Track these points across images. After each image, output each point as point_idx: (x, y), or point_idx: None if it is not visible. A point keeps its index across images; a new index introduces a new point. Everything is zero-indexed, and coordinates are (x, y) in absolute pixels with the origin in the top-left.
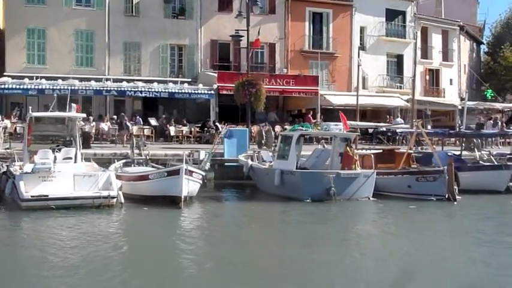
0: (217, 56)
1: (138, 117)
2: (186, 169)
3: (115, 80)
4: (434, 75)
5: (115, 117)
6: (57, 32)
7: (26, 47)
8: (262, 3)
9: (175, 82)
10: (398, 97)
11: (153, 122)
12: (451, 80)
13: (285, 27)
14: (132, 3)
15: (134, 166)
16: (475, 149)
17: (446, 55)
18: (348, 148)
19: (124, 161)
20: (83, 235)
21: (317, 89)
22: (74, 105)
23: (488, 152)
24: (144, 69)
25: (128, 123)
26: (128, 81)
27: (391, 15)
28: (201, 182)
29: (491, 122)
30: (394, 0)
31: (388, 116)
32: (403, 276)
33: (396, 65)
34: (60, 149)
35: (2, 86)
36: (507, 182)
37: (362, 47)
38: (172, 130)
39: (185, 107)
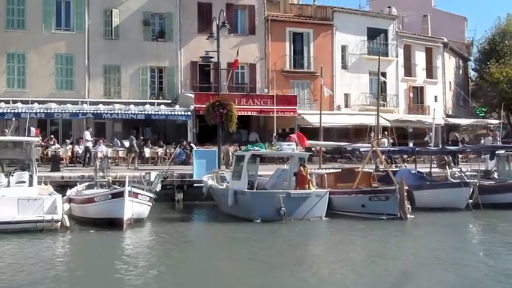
0: (198, 78)
1: (116, 139)
2: (130, 191)
3: (95, 103)
4: (418, 93)
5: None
6: (37, 56)
7: (5, 72)
8: (241, 24)
9: (155, 104)
10: (381, 116)
11: (127, 144)
12: (435, 97)
13: (265, 47)
14: (112, 26)
15: (96, 188)
16: (446, 166)
17: (430, 72)
18: (301, 168)
19: (87, 183)
20: (21, 259)
21: (295, 109)
22: (32, 129)
23: (459, 169)
24: (124, 92)
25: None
26: (108, 103)
27: (373, 33)
28: (150, 204)
29: (490, 138)
30: (376, 19)
31: (372, 135)
32: None
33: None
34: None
35: None
36: (466, 199)
37: (344, 66)
38: (147, 152)
39: (166, 129)
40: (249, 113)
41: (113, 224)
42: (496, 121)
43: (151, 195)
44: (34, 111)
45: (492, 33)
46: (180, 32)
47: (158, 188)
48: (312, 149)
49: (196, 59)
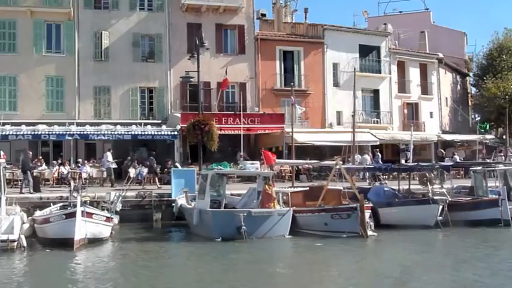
0: (187, 97)
1: (103, 159)
2: (83, 211)
3: (85, 124)
4: (413, 109)
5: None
6: (28, 79)
7: None
8: (231, 44)
9: (145, 124)
10: (368, 132)
11: (112, 165)
12: (431, 113)
13: (256, 66)
14: (101, 48)
15: (69, 209)
16: (428, 183)
17: (425, 88)
18: (266, 186)
19: (61, 204)
20: None
21: (283, 127)
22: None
23: (440, 186)
24: (114, 112)
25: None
26: (98, 124)
27: (365, 50)
28: (109, 224)
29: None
30: (368, 36)
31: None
32: None
33: (372, 100)
34: None
35: None
36: (435, 216)
37: (336, 83)
38: (132, 172)
39: (156, 148)
40: (236, 132)
41: (66, 244)
42: (491, 136)
43: (109, 215)
44: (21, 133)
45: (490, 48)
46: (169, 52)
47: (118, 208)
48: (300, 167)
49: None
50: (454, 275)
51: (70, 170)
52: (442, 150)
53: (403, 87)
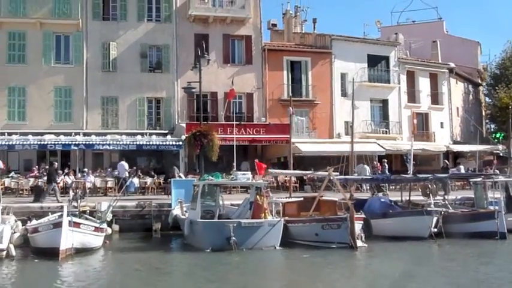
0: (194, 108)
1: (109, 169)
2: (70, 221)
3: (92, 134)
4: (423, 119)
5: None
6: (37, 89)
7: (6, 105)
8: (238, 54)
9: (151, 134)
10: (375, 143)
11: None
12: (441, 123)
13: (263, 76)
14: (109, 59)
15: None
16: (430, 194)
17: (436, 98)
18: (257, 197)
19: (59, 213)
20: None
21: (288, 137)
22: None
23: (442, 198)
24: (122, 123)
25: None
26: (105, 134)
27: (374, 60)
28: (98, 233)
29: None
30: (376, 46)
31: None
32: None
33: (381, 110)
34: None
35: None
36: (429, 228)
37: (344, 93)
38: (136, 182)
39: (162, 158)
40: (241, 142)
41: (53, 253)
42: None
43: (97, 224)
44: (28, 143)
45: (502, 58)
46: (176, 63)
47: (108, 218)
48: (304, 177)
49: (192, 90)
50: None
51: (74, 180)
52: (447, 161)
53: (412, 97)
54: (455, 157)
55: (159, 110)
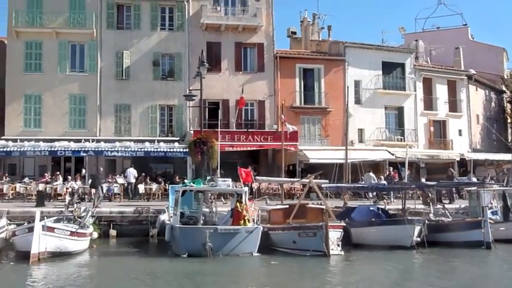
0: (206, 115)
1: (117, 175)
2: (43, 225)
3: (106, 141)
4: (441, 127)
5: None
6: (52, 97)
7: (23, 112)
8: (251, 62)
9: (162, 141)
10: (386, 150)
11: (120, 180)
12: (460, 130)
13: (275, 84)
14: (123, 67)
15: (63, 222)
16: (430, 203)
17: (454, 105)
18: (237, 204)
19: (55, 217)
20: None
21: (296, 144)
22: None
23: (442, 206)
24: (134, 130)
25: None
26: (118, 141)
27: (389, 67)
28: (80, 238)
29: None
30: (391, 53)
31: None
32: None
33: (397, 117)
34: None
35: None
36: (410, 237)
37: (357, 101)
38: (141, 188)
39: (174, 164)
40: (247, 149)
41: (26, 257)
42: None
43: (73, 229)
44: (39, 149)
45: None
46: (189, 71)
47: (88, 222)
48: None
49: (204, 97)
50: None
51: (81, 185)
52: (452, 170)
53: (429, 104)
54: (475, 165)
55: (171, 118)
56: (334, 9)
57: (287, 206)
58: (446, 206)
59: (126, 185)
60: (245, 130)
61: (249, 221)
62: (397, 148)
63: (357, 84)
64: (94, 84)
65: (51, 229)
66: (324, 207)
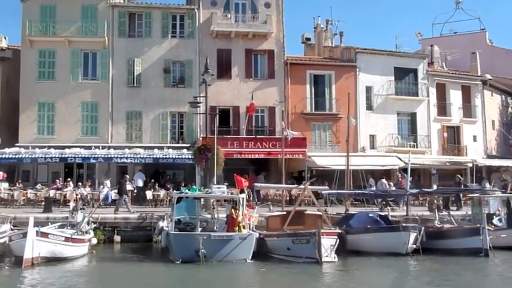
0: (217, 122)
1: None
2: (37, 231)
3: (116, 148)
4: (455, 133)
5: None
6: (65, 105)
7: (36, 120)
8: (261, 69)
9: (174, 148)
10: (396, 156)
11: (128, 186)
12: (474, 136)
13: (285, 90)
14: (134, 75)
15: (67, 228)
16: (435, 210)
17: (469, 111)
18: (232, 210)
19: (60, 223)
20: None
21: (305, 151)
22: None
23: (448, 213)
24: (145, 136)
25: None
26: (130, 148)
27: (401, 73)
28: (76, 244)
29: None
30: (404, 58)
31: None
32: None
33: (410, 123)
34: None
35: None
36: (405, 244)
37: (369, 107)
38: (149, 194)
39: (184, 171)
40: (256, 156)
41: (20, 262)
42: None
43: (68, 235)
44: (50, 156)
45: None
46: (199, 78)
47: (85, 228)
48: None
49: (215, 104)
50: None
51: (90, 192)
52: (459, 176)
53: (443, 110)
54: (490, 172)
55: (182, 124)
56: (348, 15)
57: (285, 213)
58: (454, 212)
59: (134, 190)
60: (253, 137)
61: (244, 227)
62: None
63: (369, 90)
64: (106, 92)
65: (45, 235)
66: (321, 213)
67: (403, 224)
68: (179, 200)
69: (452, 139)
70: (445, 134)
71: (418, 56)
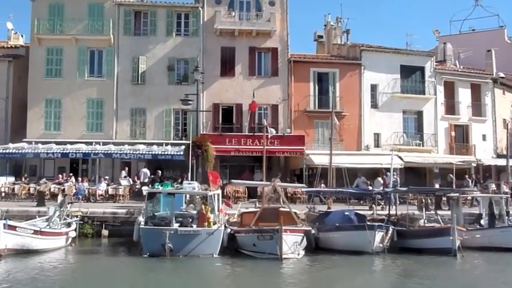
0: (220, 119)
1: (121, 177)
2: (5, 224)
3: (121, 144)
4: (463, 131)
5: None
6: (71, 101)
7: (44, 116)
8: (265, 66)
9: (176, 145)
10: (396, 155)
11: (124, 182)
12: (483, 135)
13: (289, 88)
14: (139, 72)
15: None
16: (423, 208)
17: (478, 109)
18: (202, 206)
19: (46, 217)
20: None
21: (302, 149)
22: None
23: (435, 212)
24: (149, 133)
25: None
26: (133, 144)
27: (407, 71)
28: (49, 237)
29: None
30: (411, 56)
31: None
32: None
33: (416, 121)
34: None
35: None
36: (371, 243)
37: (374, 105)
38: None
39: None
40: (255, 154)
41: None
42: None
43: (37, 228)
44: (52, 151)
45: None
46: (203, 75)
47: (56, 222)
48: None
49: (218, 101)
50: None
51: (88, 187)
52: (451, 175)
53: (451, 108)
54: (499, 171)
55: (185, 121)
56: (360, 13)
57: (258, 209)
58: (444, 212)
59: (137, 185)
60: (251, 134)
61: (214, 223)
62: (415, 153)
63: (374, 88)
64: (111, 89)
65: (12, 227)
66: (295, 211)
67: (369, 223)
68: (152, 195)
69: (461, 138)
70: (453, 133)
71: (425, 53)
